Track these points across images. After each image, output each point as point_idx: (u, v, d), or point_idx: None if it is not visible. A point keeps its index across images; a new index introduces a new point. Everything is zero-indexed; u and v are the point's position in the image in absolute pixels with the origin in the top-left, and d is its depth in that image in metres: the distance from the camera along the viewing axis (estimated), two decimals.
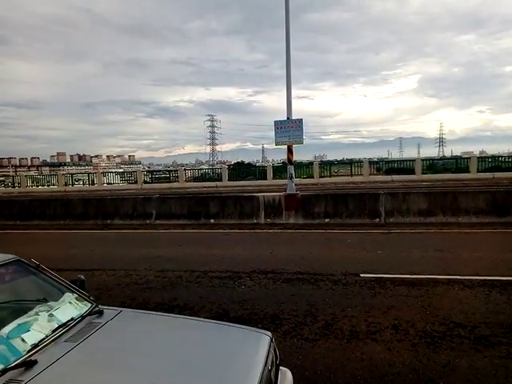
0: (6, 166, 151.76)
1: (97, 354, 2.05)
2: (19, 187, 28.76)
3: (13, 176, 31.73)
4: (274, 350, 2.35)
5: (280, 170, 29.62)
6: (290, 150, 11.33)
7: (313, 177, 24.81)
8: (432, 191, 10.88)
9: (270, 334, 2.42)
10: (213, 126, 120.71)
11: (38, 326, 2.12)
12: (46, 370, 1.83)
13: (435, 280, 5.43)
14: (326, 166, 27.56)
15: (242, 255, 7.34)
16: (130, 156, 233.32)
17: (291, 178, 11.16)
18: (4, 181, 30.63)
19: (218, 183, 25.46)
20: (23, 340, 2.00)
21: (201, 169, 35.28)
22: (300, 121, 11.09)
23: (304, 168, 27.61)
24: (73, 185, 28.64)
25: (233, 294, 5.19)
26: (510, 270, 5.77)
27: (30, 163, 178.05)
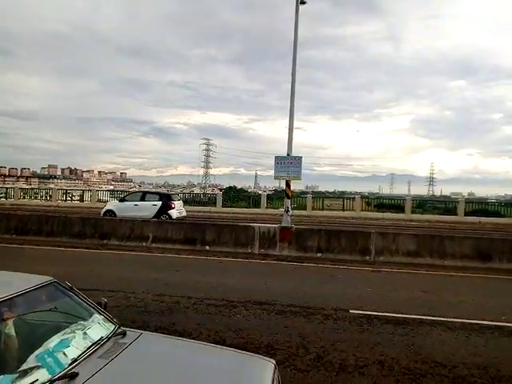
0: None
1: (127, 370, 2.36)
2: (12, 199, 28.69)
3: (6, 188, 31.51)
4: (278, 377, 2.67)
5: (272, 198, 30.21)
6: (288, 185, 11.80)
7: (306, 209, 25.28)
8: (420, 233, 11.33)
9: (274, 361, 2.75)
10: (208, 150, 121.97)
11: (75, 343, 2.43)
12: (87, 382, 2.13)
13: (420, 320, 5.77)
14: (319, 198, 28.14)
15: (236, 284, 7.61)
16: (121, 173, 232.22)
17: (287, 211, 11.55)
18: None
19: (212, 208, 25.77)
20: (65, 354, 2.31)
21: (196, 193, 35.61)
22: (300, 158, 11.62)
23: (296, 198, 28.09)
24: (66, 200, 28.74)
25: (229, 322, 5.46)
26: (489, 314, 6.15)
27: (19, 173, 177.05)
